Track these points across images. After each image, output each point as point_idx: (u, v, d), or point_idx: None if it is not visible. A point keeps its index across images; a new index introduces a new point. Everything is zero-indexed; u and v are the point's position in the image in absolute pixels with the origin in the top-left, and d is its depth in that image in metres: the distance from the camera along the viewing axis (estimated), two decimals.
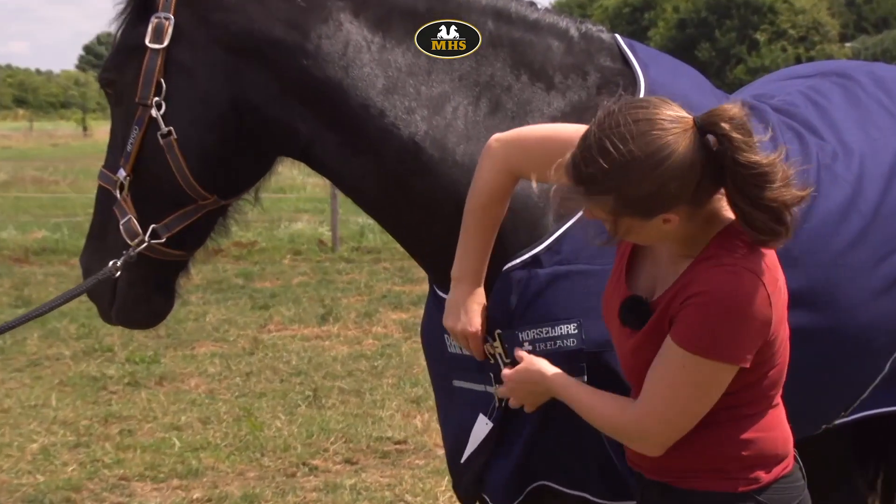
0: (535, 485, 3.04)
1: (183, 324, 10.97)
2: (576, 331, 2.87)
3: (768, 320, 2.45)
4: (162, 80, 3.04)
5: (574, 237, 2.92)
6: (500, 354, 2.95)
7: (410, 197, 2.99)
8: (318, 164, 3.10)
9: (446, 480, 4.19)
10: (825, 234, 3.15)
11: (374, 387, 8.48)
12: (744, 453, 2.55)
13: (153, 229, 3.14)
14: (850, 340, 3.18)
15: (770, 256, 2.51)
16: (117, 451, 7.14)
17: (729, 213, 2.51)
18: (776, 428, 2.60)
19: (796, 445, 2.74)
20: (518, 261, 2.93)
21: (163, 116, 3.06)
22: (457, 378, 3.13)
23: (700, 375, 2.47)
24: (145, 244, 3.16)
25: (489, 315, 2.94)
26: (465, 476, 3.14)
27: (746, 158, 2.38)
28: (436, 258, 3.05)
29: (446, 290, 3.01)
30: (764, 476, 2.56)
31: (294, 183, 23.56)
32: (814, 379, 3.14)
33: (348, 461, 6.94)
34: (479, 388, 3.04)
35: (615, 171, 2.37)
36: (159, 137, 3.04)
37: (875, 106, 3.50)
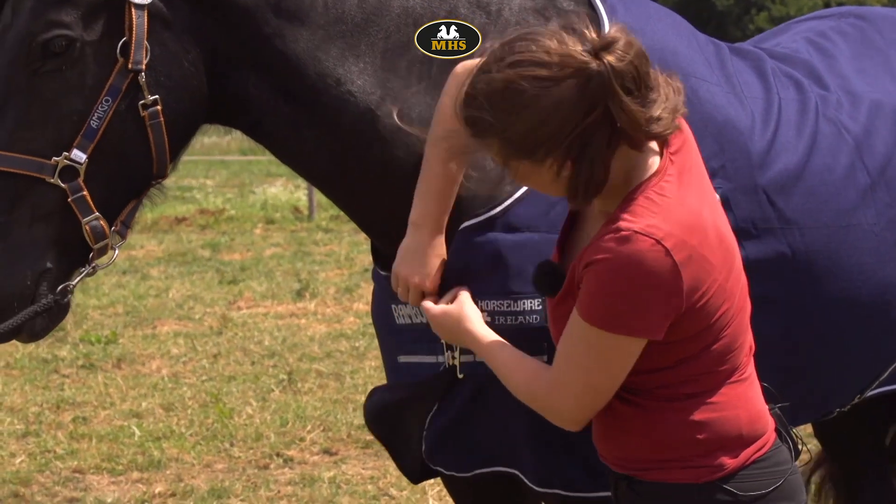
0: (484, 471, 3.10)
1: (143, 300, 10.98)
2: (539, 307, 2.91)
3: (676, 288, 2.46)
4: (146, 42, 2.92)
5: (531, 202, 2.96)
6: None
7: (364, 167, 3.02)
8: (264, 137, 3.10)
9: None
10: (824, 193, 3.17)
11: (356, 370, 8.50)
12: (698, 437, 2.56)
13: (116, 230, 2.96)
14: (857, 312, 3.21)
15: (687, 214, 2.51)
16: (70, 440, 7.15)
17: (650, 166, 2.53)
18: (738, 407, 2.60)
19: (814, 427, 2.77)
20: (476, 220, 2.97)
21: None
22: (404, 353, 3.18)
23: (602, 348, 2.51)
24: (115, 254, 3.00)
25: (444, 276, 2.98)
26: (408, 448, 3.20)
27: (627, 107, 2.44)
28: (388, 228, 3.08)
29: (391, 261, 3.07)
30: (729, 462, 2.57)
31: None
32: (818, 355, 3.17)
33: (327, 452, 6.96)
34: (430, 359, 3.09)
35: (491, 110, 2.45)
36: (140, 108, 2.91)
37: (894, 53, 3.52)
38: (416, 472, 3.25)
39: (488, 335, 2.77)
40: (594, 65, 2.42)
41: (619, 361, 2.53)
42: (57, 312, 2.93)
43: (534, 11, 3.13)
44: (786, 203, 3.11)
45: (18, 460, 6.82)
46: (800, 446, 2.75)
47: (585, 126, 2.44)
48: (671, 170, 2.55)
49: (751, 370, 2.66)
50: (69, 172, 2.86)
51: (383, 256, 3.19)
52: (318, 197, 16.52)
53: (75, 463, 6.77)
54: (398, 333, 3.17)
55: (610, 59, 2.43)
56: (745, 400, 2.62)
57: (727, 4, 55.33)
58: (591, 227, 2.65)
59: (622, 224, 2.47)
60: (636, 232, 2.44)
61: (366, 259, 12.54)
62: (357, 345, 9.18)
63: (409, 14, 3.03)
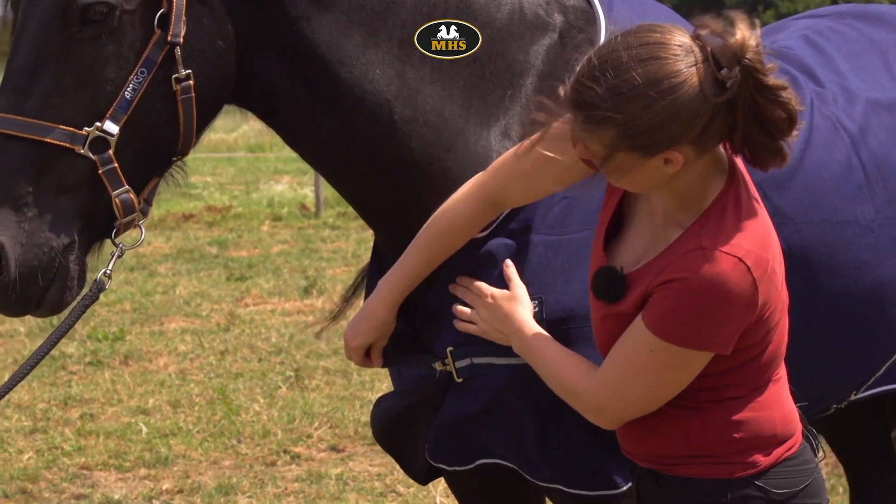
0: (486, 462, 3.11)
1: (150, 297, 10.99)
2: (537, 308, 2.92)
3: (752, 304, 2.49)
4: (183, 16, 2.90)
5: (535, 204, 2.97)
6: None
7: (377, 159, 3.02)
8: (280, 123, 3.10)
9: None
10: (821, 189, 3.18)
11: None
12: (735, 436, 2.59)
13: (140, 207, 2.94)
14: (853, 308, 3.22)
15: (761, 230, 2.54)
16: (78, 437, 7.17)
17: (722, 179, 2.54)
18: (773, 407, 2.63)
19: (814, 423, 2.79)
20: (482, 234, 2.98)
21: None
22: (396, 357, 3.19)
23: (669, 362, 2.52)
24: (143, 234, 3.00)
25: (438, 281, 3.01)
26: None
27: (769, 82, 2.44)
28: (395, 223, 3.09)
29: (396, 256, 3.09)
30: (762, 459, 2.59)
31: (274, 141, 23.53)
32: (814, 351, 3.18)
33: (334, 448, 6.97)
34: (420, 366, 3.13)
35: (619, 97, 2.40)
36: (173, 82, 2.90)
37: (892, 51, 3.52)
38: (422, 475, 3.26)
39: (535, 326, 2.79)
40: (730, 60, 2.41)
41: (683, 373, 2.55)
42: (75, 285, 2.91)
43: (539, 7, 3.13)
44: (782, 199, 3.11)
45: (26, 457, 6.84)
46: (818, 445, 2.76)
47: (712, 125, 2.43)
48: (741, 184, 2.57)
49: (783, 371, 2.68)
50: (99, 144, 2.84)
51: (380, 256, 3.21)
52: (326, 194, 16.52)
53: (83, 459, 6.79)
54: (394, 338, 3.18)
55: (749, 56, 2.41)
56: (779, 400, 2.65)
57: (735, 1, 55.25)
58: (648, 230, 2.64)
59: (705, 242, 2.48)
60: (721, 251, 2.46)
61: None
62: None
63: (425, 4, 3.03)
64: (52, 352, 9.02)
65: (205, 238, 14.31)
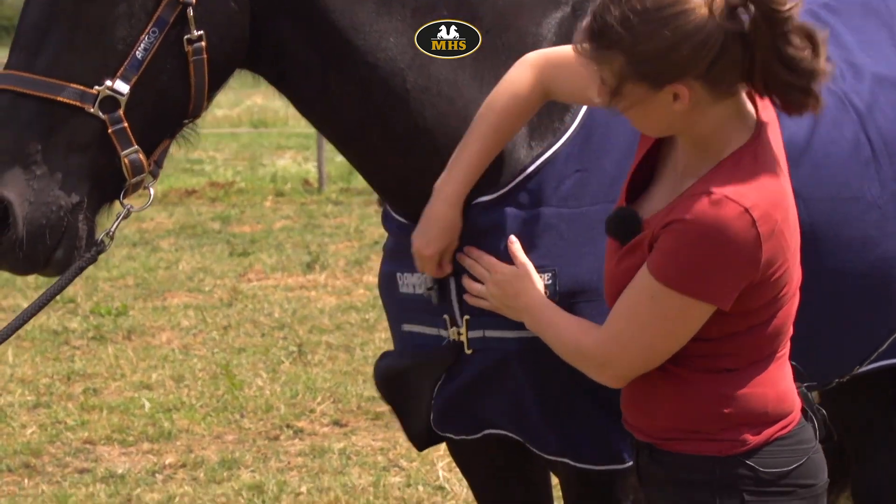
0: (493, 432, 3.11)
1: (153, 272, 11.00)
2: (549, 281, 2.93)
3: (754, 259, 2.46)
4: None
5: (544, 176, 2.97)
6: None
7: (389, 127, 3.01)
8: (291, 89, 3.08)
9: (443, 445, 4.23)
10: (829, 165, 3.17)
11: (365, 342, 8.51)
12: (725, 411, 2.57)
13: (150, 169, 2.93)
14: (859, 284, 3.22)
15: (776, 190, 2.51)
16: (81, 411, 7.17)
17: (745, 134, 2.51)
18: (767, 385, 2.61)
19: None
20: (489, 198, 2.98)
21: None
22: (407, 322, 3.19)
23: (669, 309, 2.50)
24: (151, 196, 2.99)
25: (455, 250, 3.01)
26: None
27: (785, 14, 2.42)
28: (406, 191, 3.08)
29: (408, 221, 3.09)
30: (752, 438, 2.58)
31: (276, 116, 23.51)
32: (820, 326, 3.18)
33: (337, 423, 6.97)
34: (432, 331, 3.11)
35: (626, 21, 2.42)
36: (185, 43, 2.87)
37: None
38: (422, 439, 3.27)
39: (544, 299, 2.79)
40: None
41: (683, 325, 2.53)
42: (82, 245, 2.89)
43: None
44: (792, 175, 3.11)
45: (29, 431, 6.85)
46: (823, 426, 2.74)
47: (721, 59, 2.42)
48: (764, 141, 2.54)
49: (785, 350, 2.66)
50: (109, 103, 2.83)
51: (395, 218, 3.20)
52: (328, 169, 16.50)
53: (86, 434, 6.80)
54: (402, 302, 3.19)
55: None
56: (775, 378, 2.63)
57: None
58: (671, 183, 2.64)
59: (713, 187, 2.46)
60: (726, 197, 2.44)
61: (376, 232, 12.53)
62: (367, 317, 9.19)
63: None
64: (55, 326, 9.07)
65: (208, 213, 14.30)
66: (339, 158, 17.56)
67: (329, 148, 16.65)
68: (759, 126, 2.57)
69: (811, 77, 2.49)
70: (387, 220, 3.25)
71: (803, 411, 2.69)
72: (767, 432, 2.59)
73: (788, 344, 2.68)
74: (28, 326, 8.86)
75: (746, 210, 2.44)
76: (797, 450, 2.62)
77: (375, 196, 13.54)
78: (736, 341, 2.57)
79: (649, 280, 2.51)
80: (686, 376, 2.59)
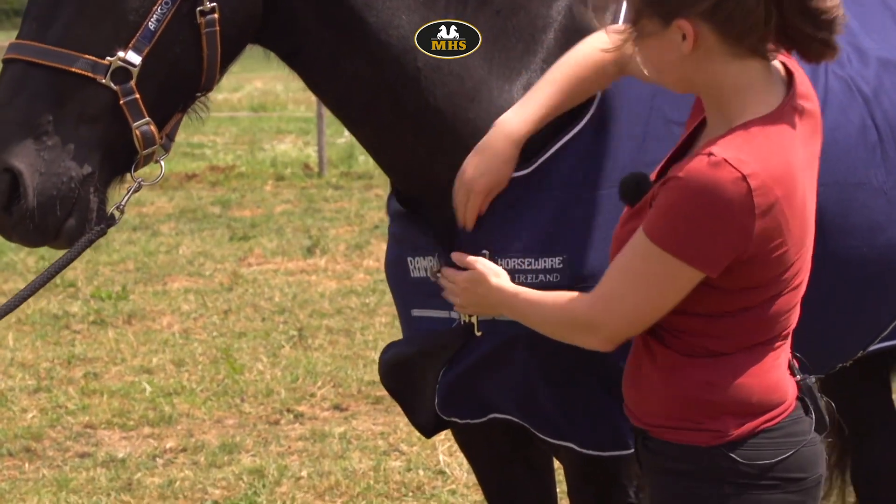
0: (498, 416, 3.11)
1: (154, 257, 10.99)
2: (560, 265, 2.92)
3: (745, 229, 2.42)
4: None
5: (561, 159, 2.96)
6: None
7: (400, 105, 2.99)
8: (302, 65, 3.06)
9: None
10: (836, 151, 3.15)
11: (366, 326, 8.51)
12: (710, 399, 2.55)
13: (161, 143, 2.91)
14: (865, 269, 3.22)
15: (785, 168, 2.46)
16: (82, 396, 7.17)
17: (768, 106, 2.50)
18: (757, 374, 2.56)
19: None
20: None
21: None
22: (418, 306, 3.18)
23: (657, 268, 2.48)
24: (163, 169, 2.97)
25: (467, 233, 2.99)
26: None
27: None
28: (415, 171, 3.07)
29: (409, 208, 3.09)
30: (734, 429, 2.54)
31: (276, 100, 23.51)
32: (825, 311, 3.18)
33: (337, 407, 6.97)
34: (443, 314, 3.10)
35: None
36: (198, 15, 2.85)
37: None
38: (429, 427, 3.26)
39: (514, 287, 2.79)
40: None
41: (671, 287, 2.50)
42: (94, 218, 2.88)
43: None
44: None
45: (30, 415, 6.85)
46: (823, 419, 2.68)
47: (728, 2, 2.42)
48: (787, 118, 2.51)
49: (783, 342, 2.63)
50: (121, 74, 2.81)
51: (403, 202, 3.18)
52: (329, 154, 16.49)
53: (86, 418, 6.80)
54: (413, 286, 3.17)
55: None
56: (765, 368, 2.59)
57: None
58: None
59: (715, 148, 2.43)
60: (725, 161, 2.40)
61: (376, 216, 12.53)
62: (367, 301, 9.19)
63: None
64: (56, 310, 9.06)
65: (208, 198, 14.29)
66: (340, 142, 17.58)
67: (330, 132, 16.65)
68: (786, 107, 2.52)
69: (832, 29, 2.47)
70: (391, 207, 3.24)
71: (803, 403, 2.65)
72: (752, 424, 2.55)
73: (788, 335, 2.64)
74: (28, 310, 8.87)
75: (744, 177, 2.40)
76: (784, 443, 2.58)
77: (375, 180, 13.54)
78: (726, 323, 2.53)
79: (642, 238, 2.49)
80: (674, 361, 2.57)
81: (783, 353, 2.64)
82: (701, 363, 2.56)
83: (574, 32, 3.03)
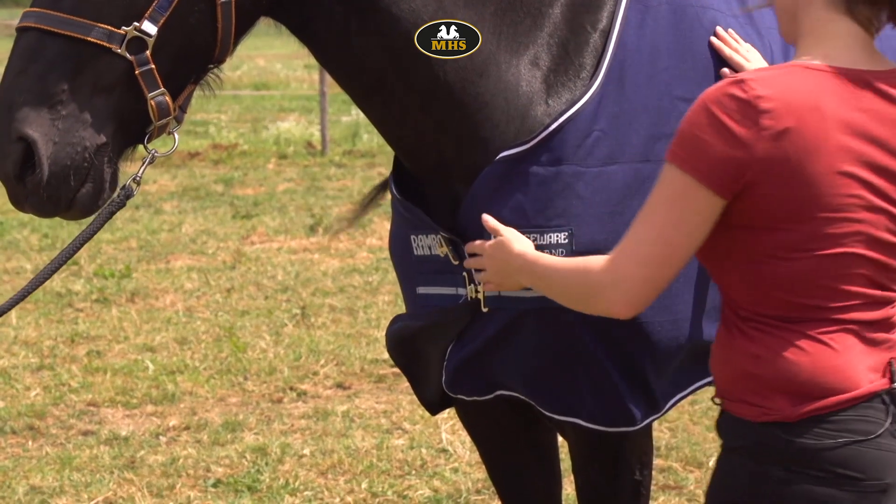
0: (504, 393, 3.11)
1: (157, 235, 10.99)
2: (566, 240, 2.92)
3: (746, 143, 2.39)
4: None
5: (566, 134, 2.95)
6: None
7: (409, 81, 2.98)
8: (312, 39, 3.05)
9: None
10: None
11: (369, 304, 8.51)
12: (754, 371, 2.50)
13: (174, 115, 2.90)
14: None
15: (813, 105, 2.42)
16: (85, 374, 7.17)
17: (828, 57, 2.49)
18: (810, 354, 2.47)
19: None
20: (511, 153, 2.96)
21: None
22: (423, 284, 3.17)
23: (669, 190, 2.47)
24: (176, 141, 2.96)
25: (466, 202, 3.00)
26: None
27: None
28: (424, 148, 3.06)
29: (411, 187, 3.07)
30: (784, 408, 2.47)
31: (278, 79, 23.47)
32: None
33: (340, 385, 6.97)
34: (450, 290, 3.09)
35: None
36: None
37: None
38: (434, 403, 3.26)
39: (537, 254, 2.79)
40: None
41: (685, 214, 2.46)
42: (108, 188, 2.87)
43: None
44: None
45: (34, 393, 6.85)
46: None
47: None
48: (845, 80, 2.47)
49: (846, 316, 2.50)
50: (136, 44, 2.79)
51: (407, 183, 3.17)
52: (332, 132, 16.47)
53: (90, 396, 6.80)
54: (417, 264, 3.17)
55: None
56: (818, 350, 2.49)
57: None
58: None
59: (740, 73, 2.48)
60: (744, 79, 2.41)
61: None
62: (370, 279, 9.18)
63: None
64: (59, 289, 9.05)
65: (211, 176, 14.28)
66: (344, 120, 17.57)
67: (332, 111, 16.62)
68: (852, 74, 2.48)
69: None
70: (397, 185, 3.23)
71: (886, 408, 2.50)
72: (805, 406, 2.46)
73: (856, 314, 2.50)
74: None
75: (758, 96, 2.39)
76: (840, 435, 2.46)
77: (378, 159, 13.51)
78: (759, 275, 2.49)
79: (664, 166, 2.50)
80: (730, 330, 2.54)
81: (857, 342, 2.52)
82: (752, 334, 2.51)
83: (580, 6, 3.02)
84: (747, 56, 3.06)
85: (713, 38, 3.07)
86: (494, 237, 2.88)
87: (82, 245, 2.91)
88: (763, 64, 3.05)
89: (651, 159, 2.94)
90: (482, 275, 2.93)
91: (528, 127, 2.98)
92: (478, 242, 2.91)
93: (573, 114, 2.94)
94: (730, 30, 3.09)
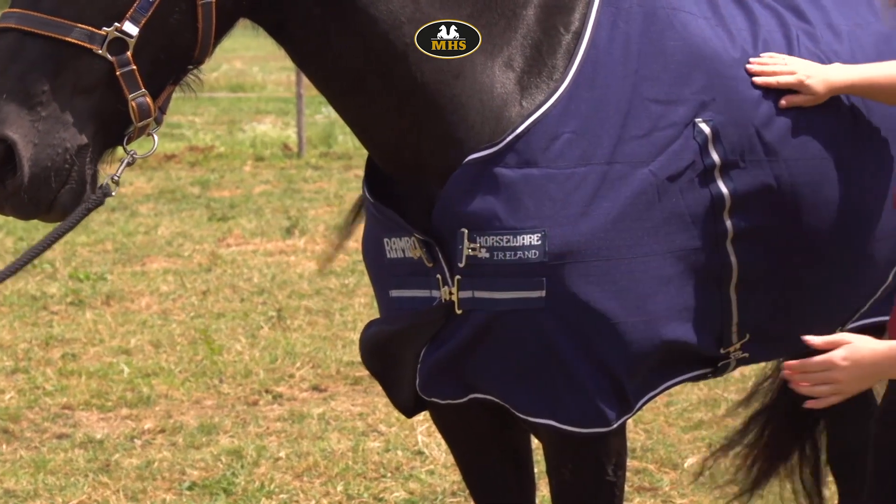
0: (478, 396, 3.11)
1: (132, 237, 10.96)
2: (538, 242, 2.92)
3: None
4: None
5: (532, 136, 2.95)
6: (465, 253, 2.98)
7: (387, 82, 2.98)
8: (291, 40, 3.04)
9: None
10: (808, 126, 3.17)
11: (345, 307, 8.50)
12: None
13: (154, 116, 2.89)
14: (840, 244, 3.23)
15: None
16: (60, 377, 7.14)
17: None
18: None
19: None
20: (480, 155, 2.96)
21: None
22: (396, 287, 3.17)
23: None
24: (156, 142, 2.95)
25: (439, 205, 2.99)
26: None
27: None
28: (401, 151, 3.06)
29: (384, 188, 3.07)
30: None
31: (255, 81, 23.43)
32: (803, 288, 3.22)
33: (316, 388, 6.96)
34: (423, 293, 3.09)
35: None
36: None
37: None
38: (409, 406, 3.26)
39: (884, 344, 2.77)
40: None
41: None
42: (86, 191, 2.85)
43: None
44: (773, 136, 3.11)
45: (8, 396, 6.82)
46: None
47: None
48: None
49: None
50: (117, 45, 2.78)
51: (380, 186, 3.18)
52: (308, 134, 16.45)
53: (64, 399, 6.77)
54: (390, 267, 3.17)
55: None
56: None
57: None
58: None
59: None
60: None
61: (355, 196, 12.45)
62: (346, 282, 9.18)
63: None
64: (34, 291, 9.01)
65: (187, 178, 14.25)
66: (320, 123, 17.55)
67: (309, 112, 16.60)
68: None
69: None
70: (370, 189, 3.23)
71: None
72: None
73: None
74: (6, 291, 8.83)
75: None
76: None
77: (355, 161, 13.46)
78: None
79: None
80: None
81: None
82: None
83: (553, 8, 3.03)
84: (791, 68, 3.13)
85: (756, 79, 3.12)
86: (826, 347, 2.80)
87: (54, 242, 2.89)
88: (812, 63, 3.16)
89: (620, 161, 2.96)
90: (831, 388, 2.80)
91: (502, 128, 2.98)
92: (812, 361, 2.79)
93: (540, 116, 2.95)
94: (761, 56, 3.15)
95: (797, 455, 4.33)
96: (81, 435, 6.25)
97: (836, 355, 2.77)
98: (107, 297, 8.93)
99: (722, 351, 3.19)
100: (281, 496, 5.45)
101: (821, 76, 3.12)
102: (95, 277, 9.44)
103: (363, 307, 8.34)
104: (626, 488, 3.32)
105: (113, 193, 2.89)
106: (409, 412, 3.30)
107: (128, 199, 12.77)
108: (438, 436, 5.75)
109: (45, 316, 8.48)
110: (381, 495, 5.44)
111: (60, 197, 2.80)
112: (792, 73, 3.11)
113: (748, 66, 3.13)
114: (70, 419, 6.52)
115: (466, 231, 2.95)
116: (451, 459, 5.58)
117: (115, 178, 2.88)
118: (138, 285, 9.25)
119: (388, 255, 3.15)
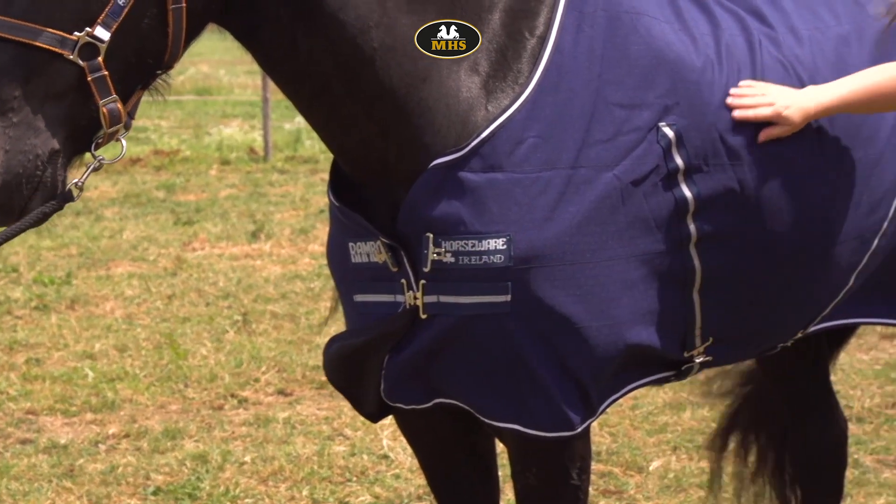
0: (443, 401, 3.11)
1: (97, 241, 10.91)
2: (504, 247, 2.92)
3: None
4: None
5: (497, 140, 2.95)
6: (430, 259, 2.98)
7: (355, 87, 2.98)
8: (259, 44, 3.04)
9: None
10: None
11: (311, 311, 8.49)
12: None
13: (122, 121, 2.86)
14: (801, 247, 3.24)
15: None
16: (24, 382, 7.11)
17: None
18: None
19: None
20: (445, 160, 2.96)
21: None
22: (360, 292, 3.17)
23: None
24: (124, 148, 2.90)
25: (404, 209, 2.99)
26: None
27: None
28: (368, 156, 3.06)
29: (349, 192, 3.07)
30: None
31: (221, 84, 23.37)
32: (765, 291, 3.23)
33: (281, 392, 6.95)
34: (388, 297, 3.08)
35: None
36: None
37: None
38: (374, 413, 3.26)
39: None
40: None
41: None
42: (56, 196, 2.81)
43: None
44: (737, 140, 3.13)
45: None
46: None
47: None
48: None
49: None
50: (89, 50, 2.75)
51: (345, 190, 3.17)
52: (274, 138, 16.43)
53: (28, 404, 6.73)
54: (354, 272, 3.16)
55: None
56: None
57: None
58: None
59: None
60: None
61: (321, 200, 12.49)
62: (312, 286, 9.17)
63: None
64: None
65: (152, 182, 14.21)
66: (286, 127, 17.53)
67: (275, 116, 16.58)
68: None
69: None
70: (335, 192, 3.22)
71: None
72: None
73: None
74: None
75: None
76: None
77: (321, 165, 13.49)
78: None
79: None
80: None
81: None
82: None
83: (518, 12, 3.03)
84: (768, 99, 3.14)
85: (734, 113, 3.15)
86: None
87: (5, 241, 2.85)
88: (788, 91, 3.17)
89: (585, 165, 2.96)
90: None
91: (468, 132, 2.98)
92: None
93: (504, 120, 2.95)
94: (740, 85, 3.17)
95: (763, 460, 4.35)
96: (45, 440, 6.22)
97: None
98: (71, 301, 8.89)
99: (685, 354, 3.20)
100: (246, 501, 5.44)
101: (797, 105, 3.12)
102: (60, 282, 9.40)
103: (329, 311, 8.31)
104: (592, 492, 3.33)
105: (75, 199, 2.86)
106: (375, 418, 3.30)
107: (93, 203, 12.72)
108: (404, 440, 5.75)
109: (9, 320, 8.44)
110: (346, 499, 5.44)
111: (32, 203, 2.77)
112: (770, 105, 3.11)
113: (728, 100, 3.14)
114: (34, 424, 6.49)
115: (431, 235, 2.94)
116: (416, 463, 5.57)
117: (79, 183, 2.86)
118: (103, 289, 9.21)
119: (353, 260, 3.14)
